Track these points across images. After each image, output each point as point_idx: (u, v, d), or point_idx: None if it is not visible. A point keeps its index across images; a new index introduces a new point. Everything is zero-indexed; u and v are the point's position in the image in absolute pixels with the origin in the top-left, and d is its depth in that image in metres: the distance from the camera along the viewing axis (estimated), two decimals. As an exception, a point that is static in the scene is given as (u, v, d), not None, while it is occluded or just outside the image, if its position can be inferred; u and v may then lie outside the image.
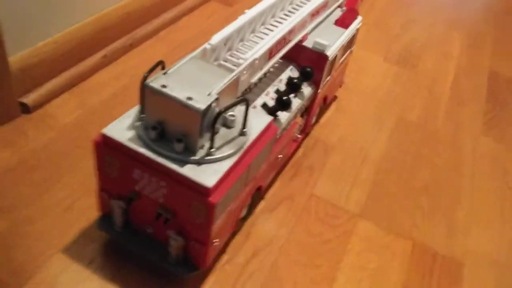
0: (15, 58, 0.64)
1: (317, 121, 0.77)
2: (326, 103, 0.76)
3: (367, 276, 0.56)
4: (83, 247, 0.53)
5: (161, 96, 0.42)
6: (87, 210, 0.56)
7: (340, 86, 0.82)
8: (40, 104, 0.69)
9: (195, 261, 0.48)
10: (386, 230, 0.62)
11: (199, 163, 0.43)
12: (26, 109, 0.67)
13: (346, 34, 0.67)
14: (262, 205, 0.62)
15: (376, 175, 0.71)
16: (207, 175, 0.42)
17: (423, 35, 1.11)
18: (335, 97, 0.83)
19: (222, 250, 0.55)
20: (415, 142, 0.78)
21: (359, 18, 0.71)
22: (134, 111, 0.47)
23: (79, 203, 0.57)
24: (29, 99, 0.67)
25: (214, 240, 0.47)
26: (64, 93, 0.72)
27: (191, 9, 1.01)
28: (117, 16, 0.81)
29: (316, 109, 0.69)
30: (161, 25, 0.92)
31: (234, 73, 0.46)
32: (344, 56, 0.72)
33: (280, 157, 0.60)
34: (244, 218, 0.58)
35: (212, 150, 0.44)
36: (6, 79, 0.63)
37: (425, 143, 0.79)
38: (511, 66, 1.05)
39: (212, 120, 0.42)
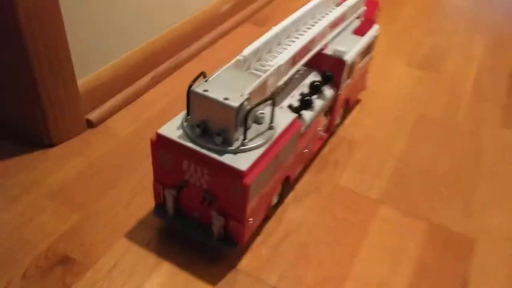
0: (82, 81, 0.77)
1: (342, 121, 0.85)
2: (349, 105, 0.84)
3: (386, 252, 0.63)
4: (141, 231, 0.63)
5: (203, 98, 0.52)
6: (144, 203, 0.67)
7: (363, 90, 0.90)
8: (102, 120, 0.81)
9: (234, 238, 0.57)
10: (404, 213, 0.69)
11: (235, 152, 0.53)
12: (91, 124, 0.80)
13: (362, 41, 0.75)
14: (291, 195, 0.71)
15: (397, 166, 0.77)
16: (241, 161, 0.52)
17: (446, 41, 1.17)
18: (358, 100, 0.91)
19: (257, 233, 0.64)
20: (436, 136, 0.85)
21: (376, 27, 0.80)
22: (182, 114, 0.58)
23: (137, 198, 0.68)
24: (93, 116, 0.80)
25: (249, 219, 0.56)
26: (121, 110, 0.85)
27: (228, 32, 1.13)
28: (163, 42, 0.93)
29: (338, 109, 0.77)
30: (201, 48, 1.04)
31: (262, 77, 0.55)
32: (363, 61, 0.80)
33: (306, 151, 0.69)
34: (276, 206, 0.67)
35: (245, 141, 0.53)
36: (75, 99, 0.76)
37: (446, 136, 0.85)
38: (534, 63, 1.09)
39: (244, 116, 0.52)
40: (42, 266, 0.58)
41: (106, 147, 0.77)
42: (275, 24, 0.64)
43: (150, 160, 0.73)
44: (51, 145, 0.76)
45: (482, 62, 1.09)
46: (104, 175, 0.71)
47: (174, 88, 0.92)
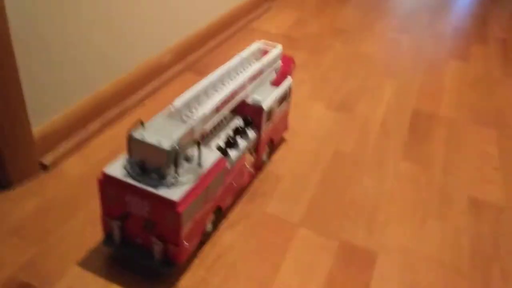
0: (37, 127, 0.87)
1: (269, 157, 0.99)
2: (274, 144, 0.98)
3: (303, 266, 0.76)
4: (92, 259, 0.73)
5: (140, 142, 0.64)
6: (94, 234, 0.77)
7: (286, 130, 1.05)
8: (56, 163, 0.91)
9: (173, 260, 0.68)
10: (319, 234, 0.83)
11: (169, 186, 0.65)
12: (45, 167, 0.89)
13: (278, 91, 0.90)
14: (225, 222, 0.83)
15: (314, 196, 0.92)
16: (174, 193, 0.64)
17: (360, 85, 1.36)
18: (283, 139, 1.06)
19: (194, 255, 0.75)
20: (347, 168, 1.00)
21: (289, 78, 0.96)
22: (123, 156, 0.69)
23: (88, 230, 0.78)
24: (47, 159, 0.90)
25: (185, 242, 0.68)
26: (73, 153, 0.94)
27: (170, 80, 1.26)
28: (109, 92, 1.05)
29: (263, 148, 0.91)
30: (145, 95, 1.16)
31: (189, 124, 0.68)
32: (281, 106, 0.96)
33: (234, 184, 0.82)
34: (211, 233, 0.79)
35: (177, 177, 0.65)
36: (30, 145, 0.85)
37: (355, 169, 1.01)
38: (431, 104, 1.30)
39: (175, 156, 0.64)
40: (2, 293, 0.66)
41: (59, 188, 0.86)
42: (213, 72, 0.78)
43: (98, 198, 0.84)
44: (7, 187, 0.84)
45: (389, 104, 1.28)
46: (58, 212, 0.80)
47: (120, 132, 1.03)
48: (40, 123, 0.88)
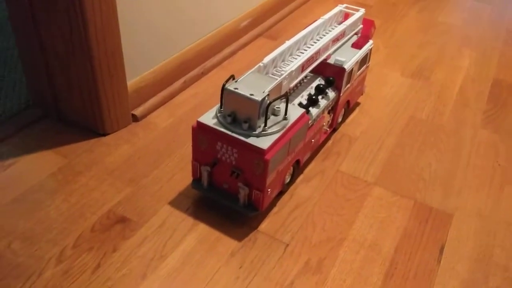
0: (130, 83, 0.94)
1: (343, 120, 1.01)
2: (349, 107, 1.00)
3: (377, 222, 0.79)
4: (181, 201, 0.79)
5: (233, 93, 0.69)
6: (182, 179, 0.84)
7: (362, 94, 1.06)
8: (145, 115, 0.98)
9: (256, 205, 0.73)
10: (394, 193, 0.85)
11: (258, 136, 0.69)
12: (135, 118, 0.97)
13: (359, 53, 0.92)
14: (301, 177, 0.87)
15: (389, 157, 0.93)
16: (263, 142, 0.68)
17: (436, 53, 1.33)
18: (358, 103, 1.08)
19: (273, 204, 0.80)
20: (423, 133, 1.00)
21: (370, 42, 0.96)
22: (216, 107, 0.74)
23: (176, 176, 0.84)
24: (138, 111, 0.97)
25: (268, 189, 0.72)
26: (160, 107, 1.02)
27: (245, 44, 1.30)
28: (192, 53, 1.11)
29: (340, 109, 0.93)
30: (223, 58, 1.21)
31: (278, 80, 0.72)
32: (361, 70, 0.97)
33: (313, 141, 0.85)
34: (288, 184, 0.83)
35: (265, 127, 0.70)
36: (125, 97, 0.93)
37: (431, 134, 1.00)
38: (514, 74, 1.25)
39: (265, 108, 0.68)
40: (106, 223, 0.74)
41: (148, 137, 0.93)
42: (287, 37, 0.81)
43: (184, 147, 0.91)
44: (104, 134, 0.93)
45: (467, 72, 1.25)
46: (148, 158, 0.88)
47: (202, 90, 1.09)
48: (134, 78, 0.96)
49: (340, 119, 0.98)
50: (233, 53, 1.25)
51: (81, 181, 0.82)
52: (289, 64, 0.77)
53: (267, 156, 0.68)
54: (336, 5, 0.96)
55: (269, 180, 0.71)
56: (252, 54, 1.26)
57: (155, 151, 0.90)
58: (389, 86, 1.17)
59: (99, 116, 0.90)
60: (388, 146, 0.96)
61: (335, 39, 0.89)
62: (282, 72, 0.74)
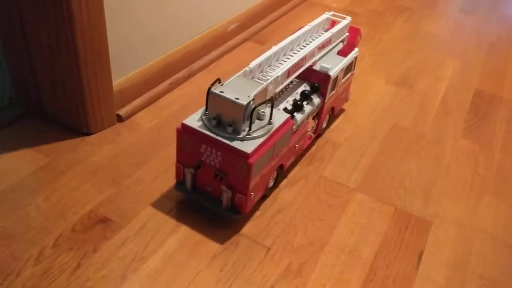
0: (116, 83, 0.94)
1: (327, 126, 1.02)
2: (334, 113, 1.01)
3: (358, 227, 0.80)
4: (164, 202, 0.79)
5: (219, 97, 0.69)
6: (165, 181, 0.83)
7: (347, 101, 1.07)
8: (129, 116, 0.98)
9: (239, 208, 0.74)
10: (375, 199, 0.86)
11: (242, 139, 0.70)
12: (120, 119, 0.96)
13: (345, 61, 0.93)
14: (284, 181, 0.87)
15: (371, 164, 0.94)
16: (247, 146, 0.69)
17: (421, 62, 1.35)
18: (343, 110, 1.09)
19: (256, 208, 0.80)
20: (405, 141, 1.02)
21: (356, 50, 0.97)
22: (201, 110, 0.74)
23: (160, 177, 0.84)
24: (123, 112, 0.97)
25: (251, 193, 0.73)
26: (145, 108, 1.01)
27: (232, 48, 1.30)
28: (179, 54, 1.11)
29: (325, 115, 0.94)
30: (210, 61, 1.21)
31: (264, 84, 0.73)
32: (346, 77, 0.98)
33: (297, 146, 0.86)
34: (272, 188, 0.84)
35: (250, 131, 0.70)
36: (110, 97, 0.92)
37: (413, 142, 1.02)
38: (495, 85, 1.28)
39: (250, 112, 0.69)
40: (87, 223, 0.74)
41: (133, 137, 0.93)
42: (274, 42, 0.82)
43: (169, 148, 0.90)
44: (87, 134, 0.92)
45: (450, 82, 1.27)
46: (132, 159, 0.88)
47: (187, 93, 1.09)
48: (119, 78, 0.95)
49: (324, 125, 0.99)
50: (220, 56, 1.25)
51: (63, 181, 0.81)
52: (275, 69, 0.78)
53: (251, 160, 0.68)
54: (325, 12, 0.97)
55: (252, 183, 0.72)
56: (239, 57, 1.27)
57: (139, 152, 0.90)
58: (374, 94, 1.18)
59: (83, 115, 0.90)
60: (371, 153, 0.98)
61: (321, 46, 0.90)
62: (268, 77, 0.75)
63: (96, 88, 0.88)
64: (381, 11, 1.67)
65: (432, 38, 1.52)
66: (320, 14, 0.96)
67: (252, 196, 0.74)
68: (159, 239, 0.73)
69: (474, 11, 1.77)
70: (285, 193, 0.85)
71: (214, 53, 1.23)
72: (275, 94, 0.81)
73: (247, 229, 0.77)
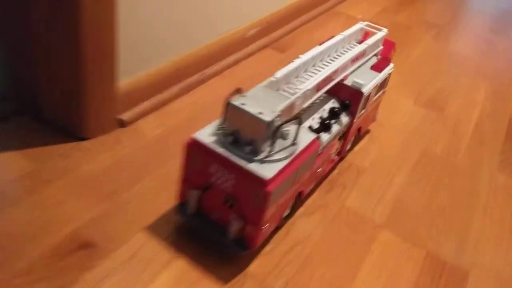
0: (120, 84, 0.84)
1: (351, 148, 0.91)
2: (360, 134, 0.91)
3: (385, 273, 0.69)
4: (161, 226, 0.68)
5: (239, 110, 0.58)
6: (166, 200, 0.73)
7: (373, 121, 0.97)
8: (133, 121, 0.87)
9: (248, 242, 0.63)
10: (404, 240, 0.75)
11: (261, 162, 0.59)
12: (122, 124, 0.86)
13: (379, 77, 0.82)
14: (301, 210, 0.76)
15: (399, 195, 0.84)
16: (266, 170, 0.58)
17: (451, 84, 1.25)
18: (368, 130, 0.98)
19: (267, 241, 0.70)
20: (436, 171, 0.91)
21: (391, 65, 0.87)
22: (215, 123, 0.64)
23: (161, 195, 0.74)
24: (125, 116, 0.86)
25: (265, 225, 0.62)
26: (151, 114, 0.91)
27: (250, 54, 1.20)
28: (192, 58, 1.00)
29: (351, 136, 0.84)
30: (225, 66, 1.11)
31: (292, 98, 0.62)
32: (378, 95, 0.87)
33: (320, 170, 0.75)
34: (287, 218, 0.73)
35: (271, 153, 0.60)
36: (113, 99, 0.82)
37: (445, 173, 0.91)
38: (532, 115, 1.17)
39: (274, 130, 0.58)
40: (67, 247, 0.63)
41: (134, 146, 0.82)
42: (294, 51, 0.72)
43: (173, 162, 0.80)
44: (84, 139, 0.82)
45: (483, 107, 1.16)
46: (131, 171, 0.77)
47: (199, 99, 0.99)
48: (125, 79, 0.85)
49: (349, 146, 0.88)
50: (236, 62, 1.15)
51: (47, 192, 0.70)
52: (304, 82, 0.68)
53: (269, 188, 0.58)
54: (349, 22, 0.87)
55: (268, 214, 0.61)
56: (256, 65, 1.16)
57: (139, 163, 0.79)
58: (401, 115, 1.08)
59: (80, 117, 0.79)
60: (399, 182, 0.87)
61: (355, 59, 0.79)
62: (296, 90, 0.65)
63: (98, 87, 0.78)
64: (408, 25, 1.57)
65: (462, 58, 1.41)
66: (345, 24, 0.86)
67: (265, 228, 0.63)
68: (150, 272, 0.62)
69: (503, 32, 1.66)
70: (301, 224, 0.74)
71: (230, 59, 1.13)
72: (300, 110, 0.71)
73: (255, 267, 0.66)
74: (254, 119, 0.58)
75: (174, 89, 0.96)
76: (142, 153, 0.81)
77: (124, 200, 0.72)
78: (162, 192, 0.74)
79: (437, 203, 0.84)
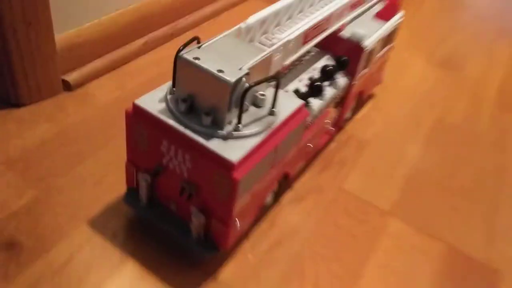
0: (61, 36, 0.67)
1: (352, 116, 0.75)
2: (362, 99, 0.74)
3: (394, 276, 0.54)
4: (108, 220, 0.53)
5: (192, 67, 0.42)
6: (116, 185, 0.57)
7: (378, 84, 0.80)
8: (81, 83, 0.71)
9: (216, 241, 0.48)
10: (417, 230, 0.60)
11: (225, 138, 0.43)
12: (68, 87, 0.70)
13: (385, 27, 0.65)
14: (289, 194, 0.61)
15: (410, 174, 0.68)
16: (232, 150, 0.42)
17: (469, 40, 1.07)
18: (372, 95, 0.82)
19: (245, 236, 0.55)
20: (455, 144, 0.75)
21: (401, 13, 0.70)
22: (167, 85, 0.48)
23: (109, 177, 0.58)
24: (71, 77, 0.70)
25: (236, 220, 0.47)
26: (104, 75, 0.74)
27: (233, 5, 1.02)
28: (160, 5, 0.83)
29: (351, 102, 0.67)
30: (202, 18, 0.94)
31: (267, 52, 0.46)
32: (383, 51, 0.70)
33: (311, 146, 0.59)
34: (270, 206, 0.58)
35: (239, 126, 0.43)
36: (51, 56, 0.65)
37: (465, 145, 0.75)
38: None
39: (241, 95, 0.42)
40: (-19, 249, 0.48)
41: (81, 115, 0.66)
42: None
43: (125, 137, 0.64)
44: (18, 105, 0.65)
45: (508, 68, 0.99)
46: (74, 147, 0.61)
47: (167, 57, 0.81)
48: (66, 30, 0.68)
49: (348, 115, 0.72)
50: (216, 13, 0.97)
51: (-38, 175, 0.55)
52: (285, 31, 0.51)
53: (237, 175, 0.42)
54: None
55: (238, 207, 0.45)
56: (239, 18, 0.98)
57: (86, 136, 0.63)
58: (411, 76, 0.91)
59: (10, 80, 0.63)
60: (409, 157, 0.71)
61: (354, 4, 0.62)
62: (274, 41, 0.48)
63: (28, 41, 0.61)
64: (419, -26, 1.37)
65: (481, 11, 1.23)
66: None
67: (237, 224, 0.48)
68: (93, 281, 0.47)
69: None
70: (289, 213, 0.59)
71: (208, 9, 0.95)
72: (283, 69, 0.54)
73: (228, 272, 0.51)
74: (212, 79, 0.41)
75: (135, 44, 0.79)
76: (89, 124, 0.65)
77: (61, 185, 0.56)
78: (112, 172, 0.59)
79: (458, 184, 0.68)
